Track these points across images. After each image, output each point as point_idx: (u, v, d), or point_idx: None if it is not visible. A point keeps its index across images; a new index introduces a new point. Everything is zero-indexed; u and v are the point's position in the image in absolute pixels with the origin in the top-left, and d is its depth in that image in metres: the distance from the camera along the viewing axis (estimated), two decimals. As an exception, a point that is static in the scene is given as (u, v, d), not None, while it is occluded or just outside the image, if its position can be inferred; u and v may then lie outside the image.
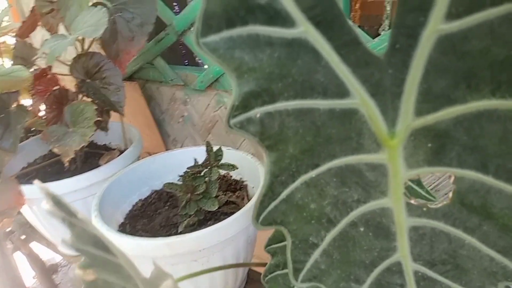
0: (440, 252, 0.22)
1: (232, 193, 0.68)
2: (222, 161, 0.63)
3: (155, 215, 0.68)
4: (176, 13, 0.79)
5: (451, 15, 0.15)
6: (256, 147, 0.82)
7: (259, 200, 0.20)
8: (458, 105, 0.17)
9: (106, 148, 0.85)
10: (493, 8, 0.14)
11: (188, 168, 0.61)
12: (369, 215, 0.22)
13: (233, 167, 0.61)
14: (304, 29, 0.16)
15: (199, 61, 0.88)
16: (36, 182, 0.20)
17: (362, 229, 0.22)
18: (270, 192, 0.20)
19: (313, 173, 0.20)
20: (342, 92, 0.18)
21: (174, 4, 0.91)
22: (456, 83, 0.16)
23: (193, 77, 0.83)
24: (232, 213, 0.65)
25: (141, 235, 0.62)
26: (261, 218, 0.20)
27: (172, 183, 0.61)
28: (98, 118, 0.64)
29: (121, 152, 0.82)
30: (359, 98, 0.18)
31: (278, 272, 0.36)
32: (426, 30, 0.16)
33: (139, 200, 0.70)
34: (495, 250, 0.20)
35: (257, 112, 0.18)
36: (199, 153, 0.69)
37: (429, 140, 0.19)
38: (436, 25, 0.15)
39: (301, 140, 0.19)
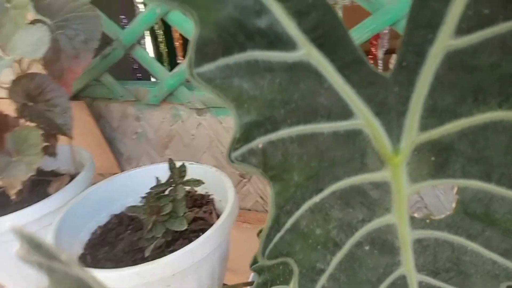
0: (443, 261, 0.22)
1: (198, 209, 0.66)
2: (187, 177, 0.60)
3: (117, 241, 0.64)
4: (124, 26, 0.75)
5: (460, 30, 0.14)
6: (219, 160, 0.80)
7: (265, 234, 0.18)
8: (464, 118, 0.17)
9: (55, 174, 0.78)
10: (506, 22, 0.13)
11: (151, 188, 0.58)
12: (374, 233, 0.21)
13: (198, 182, 0.59)
14: (306, 51, 0.15)
15: (152, 74, 0.85)
16: (9, 224, 0.18)
17: (367, 248, 0.21)
18: (276, 225, 0.18)
19: (317, 198, 0.19)
20: (345, 113, 0.17)
21: (122, 17, 0.86)
22: (463, 97, 0.16)
23: (145, 92, 0.79)
24: (202, 229, 0.62)
25: (104, 265, 0.58)
26: (267, 252, 0.19)
27: (134, 206, 0.57)
28: (45, 144, 0.59)
29: (72, 177, 0.76)
30: (363, 118, 0.17)
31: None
32: (434, 47, 0.15)
33: (98, 227, 0.65)
34: (498, 254, 0.20)
35: (259, 142, 0.17)
36: (160, 171, 0.66)
37: (432, 154, 0.18)
38: (445, 42, 0.15)
39: (306, 167, 0.18)
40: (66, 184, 0.73)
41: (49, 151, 0.64)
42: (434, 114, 0.17)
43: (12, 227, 0.18)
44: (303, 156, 0.17)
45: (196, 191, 0.70)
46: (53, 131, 0.63)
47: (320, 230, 0.20)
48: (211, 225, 0.63)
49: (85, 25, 0.68)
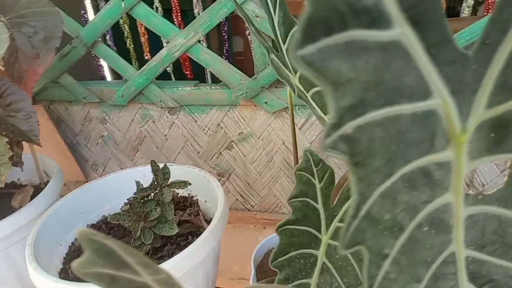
0: (490, 234, 0.23)
1: (182, 212, 0.63)
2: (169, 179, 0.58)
3: (98, 252, 0.59)
4: (85, 22, 0.70)
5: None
6: (196, 160, 0.78)
7: (348, 224, 0.18)
8: (530, 93, 0.17)
9: (15, 186, 0.72)
10: None
11: (135, 193, 0.55)
12: (434, 213, 0.21)
13: (185, 184, 0.57)
14: (401, 30, 0.15)
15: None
16: (79, 231, 0.16)
17: (426, 229, 0.22)
18: (357, 213, 0.18)
19: (388, 183, 0.19)
20: (425, 93, 0.17)
21: (83, 12, 0.81)
22: (533, 73, 0.17)
23: (110, 92, 0.75)
24: (189, 233, 0.60)
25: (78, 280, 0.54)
26: (345, 241, 0.19)
27: (118, 213, 0.54)
28: (12, 153, 0.54)
29: (36, 188, 0.70)
30: (440, 98, 0.17)
31: (288, 286, 0.35)
32: (517, 23, 0.15)
33: (76, 239, 0.61)
34: (540, 223, 0.21)
35: (349, 127, 0.16)
36: (136, 176, 0.63)
37: (493, 130, 0.19)
38: (529, 18, 0.15)
39: (386, 151, 0.18)
40: (31, 195, 0.68)
41: (15, 160, 0.58)
42: (502, 91, 0.17)
43: (80, 232, 0.16)
44: (385, 140, 0.17)
45: (178, 194, 0.68)
46: (17, 139, 0.58)
47: (388, 215, 0.20)
48: (199, 227, 0.62)
49: (44, 22, 0.63)
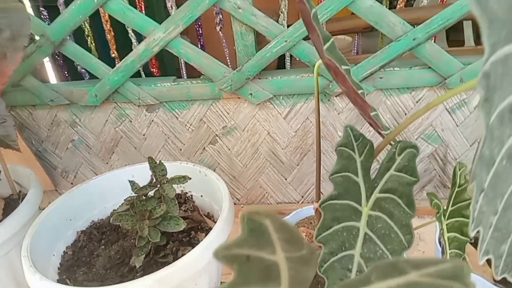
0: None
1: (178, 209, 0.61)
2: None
3: (93, 259, 0.56)
4: (45, 20, 0.65)
5: None
6: (178, 158, 0.76)
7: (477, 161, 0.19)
8: None
9: (-19, 201, 0.65)
10: None
11: (136, 192, 0.52)
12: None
13: (184, 178, 0.55)
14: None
15: (82, 70, 0.75)
16: (242, 212, 0.16)
17: (504, 162, 0.24)
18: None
19: (491, 119, 0.21)
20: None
21: (42, 9, 0.74)
22: None
23: (81, 93, 0.70)
24: (191, 228, 0.59)
25: (87, 286, 0.51)
26: (470, 178, 0.20)
27: (121, 214, 0.51)
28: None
29: (6, 199, 0.64)
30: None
31: (333, 258, 0.35)
32: None
33: (67, 247, 0.57)
34: None
35: (488, 63, 0.18)
36: (124, 176, 0.61)
37: None
38: None
39: (501, 87, 0.19)
40: (3, 208, 0.62)
41: (-7, 169, 0.53)
42: None
43: (243, 213, 0.16)
44: (502, 76, 0.19)
45: (170, 190, 0.65)
46: (-7, 145, 0.52)
47: (488, 150, 0.22)
48: (199, 222, 0.61)
49: (9, 19, 0.58)
